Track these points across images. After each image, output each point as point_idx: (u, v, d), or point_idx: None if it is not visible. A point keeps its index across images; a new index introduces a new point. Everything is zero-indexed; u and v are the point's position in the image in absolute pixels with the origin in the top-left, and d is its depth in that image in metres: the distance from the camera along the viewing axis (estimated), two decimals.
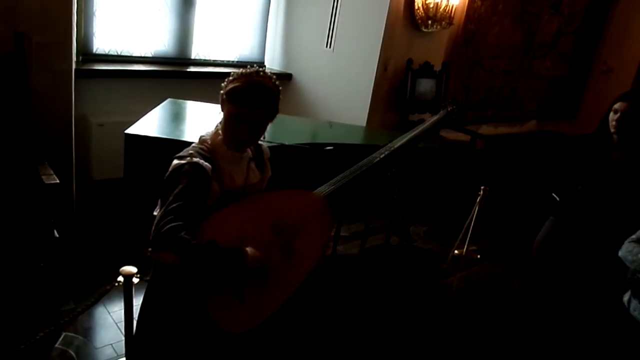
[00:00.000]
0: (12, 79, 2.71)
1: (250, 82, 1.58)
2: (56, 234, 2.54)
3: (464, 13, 4.93)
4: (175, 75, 4.22)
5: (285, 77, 4.96)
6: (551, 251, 2.72)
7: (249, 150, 1.72)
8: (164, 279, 1.65)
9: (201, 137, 1.66)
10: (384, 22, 4.26)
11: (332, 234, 1.76)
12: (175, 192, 1.47)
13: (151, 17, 4.10)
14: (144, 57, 4.16)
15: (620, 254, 2.32)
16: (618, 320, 2.40)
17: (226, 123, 1.61)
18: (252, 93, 1.57)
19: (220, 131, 1.65)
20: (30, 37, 2.78)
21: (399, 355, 2.81)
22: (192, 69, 4.39)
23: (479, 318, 3.26)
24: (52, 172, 2.59)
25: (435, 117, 2.64)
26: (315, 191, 1.76)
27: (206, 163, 1.54)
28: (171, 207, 1.44)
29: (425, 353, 2.87)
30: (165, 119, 2.96)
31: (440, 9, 4.47)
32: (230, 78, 1.62)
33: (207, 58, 4.56)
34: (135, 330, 1.81)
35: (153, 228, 1.44)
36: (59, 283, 2.77)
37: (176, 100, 3.35)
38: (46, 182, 2.49)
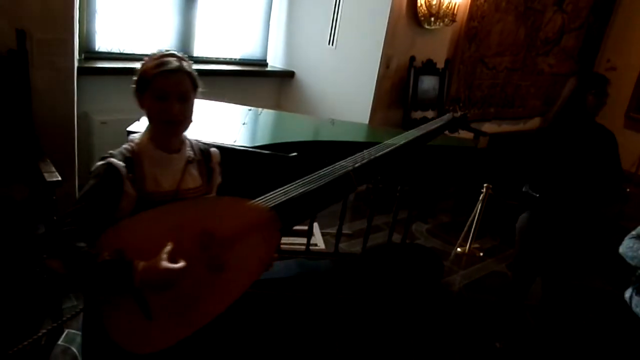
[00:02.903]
0: (14, 76, 2.72)
1: (160, 56, 1.49)
2: None
3: (467, 10, 4.91)
4: None
5: (287, 75, 4.96)
6: (533, 239, 2.70)
7: (187, 152, 1.55)
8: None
9: (131, 136, 1.55)
10: (387, 19, 4.25)
11: (274, 249, 1.57)
12: (81, 193, 1.39)
13: (153, 15, 4.10)
14: (146, 55, 4.15)
15: (620, 250, 2.32)
16: (620, 317, 2.39)
17: (153, 110, 1.46)
18: (168, 62, 1.46)
19: (149, 131, 1.52)
20: (33, 35, 2.78)
21: (402, 353, 2.81)
22: (195, 66, 4.37)
23: (482, 316, 3.25)
24: (54, 169, 2.59)
25: (435, 124, 2.23)
26: (266, 197, 1.54)
27: (120, 163, 1.41)
28: (72, 209, 1.35)
29: (428, 351, 2.86)
30: None
31: (443, 6, 4.46)
32: (139, 69, 1.51)
33: (210, 56, 4.56)
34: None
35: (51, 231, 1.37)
36: (62, 280, 2.77)
37: None
38: (48, 179, 2.49)
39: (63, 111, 3.03)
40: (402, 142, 1.91)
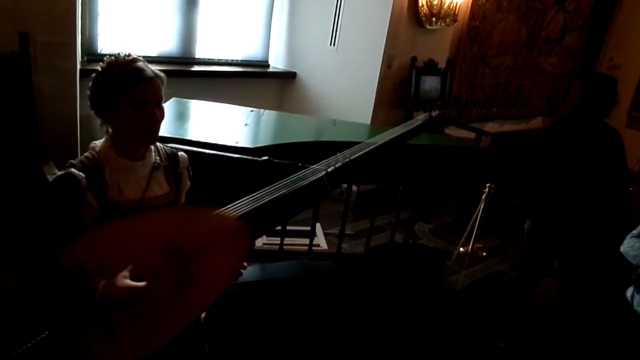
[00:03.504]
0: (17, 79, 2.73)
1: (127, 63, 1.36)
2: None
3: (469, 10, 4.91)
4: (180, 75, 4.23)
5: (289, 76, 4.97)
6: (541, 240, 2.70)
7: (152, 157, 1.48)
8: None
9: (92, 144, 1.45)
10: (388, 19, 4.25)
11: (244, 257, 1.52)
12: (40, 207, 1.35)
13: (155, 17, 4.11)
14: (148, 57, 4.16)
15: (622, 249, 2.32)
16: (622, 316, 2.39)
17: (131, 120, 1.35)
18: (142, 69, 1.36)
19: (110, 137, 1.43)
20: (35, 38, 2.80)
21: (405, 353, 2.81)
22: (197, 68, 4.40)
23: (485, 316, 3.25)
24: (57, 171, 2.60)
25: (413, 124, 2.11)
26: (235, 204, 1.48)
27: (80, 174, 1.33)
28: (30, 225, 1.32)
29: (431, 351, 2.86)
30: (169, 117, 2.96)
31: (445, 6, 4.46)
32: (99, 79, 1.37)
33: (212, 57, 4.57)
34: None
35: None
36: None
37: (181, 99, 3.36)
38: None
39: (66, 113, 3.05)
40: (377, 144, 1.84)
